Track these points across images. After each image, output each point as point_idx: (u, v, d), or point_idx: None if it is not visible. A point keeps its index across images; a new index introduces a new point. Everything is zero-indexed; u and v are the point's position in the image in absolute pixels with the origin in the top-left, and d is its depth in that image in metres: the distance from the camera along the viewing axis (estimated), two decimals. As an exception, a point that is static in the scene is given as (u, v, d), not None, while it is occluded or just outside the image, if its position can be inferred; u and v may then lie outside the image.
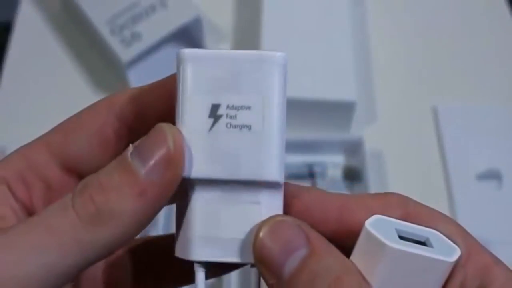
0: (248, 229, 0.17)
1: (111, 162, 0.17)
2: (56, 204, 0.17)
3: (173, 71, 0.18)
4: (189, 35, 0.59)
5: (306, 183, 0.51)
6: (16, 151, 0.20)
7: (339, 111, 0.54)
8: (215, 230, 0.18)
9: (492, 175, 0.52)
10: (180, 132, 0.17)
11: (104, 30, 0.56)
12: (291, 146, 0.52)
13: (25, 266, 0.16)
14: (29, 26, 0.64)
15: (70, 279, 0.17)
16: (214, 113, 0.17)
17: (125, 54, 0.54)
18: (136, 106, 0.20)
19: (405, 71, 0.61)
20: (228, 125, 0.17)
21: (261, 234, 0.17)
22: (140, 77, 0.57)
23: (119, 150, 0.18)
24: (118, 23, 0.56)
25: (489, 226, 0.49)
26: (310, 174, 0.52)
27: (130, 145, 0.17)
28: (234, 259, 0.18)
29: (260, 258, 0.17)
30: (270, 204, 0.17)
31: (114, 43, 0.55)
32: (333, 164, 0.53)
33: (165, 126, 0.17)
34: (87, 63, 0.61)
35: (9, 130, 0.57)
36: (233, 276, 0.47)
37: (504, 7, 0.65)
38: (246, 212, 0.17)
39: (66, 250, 0.16)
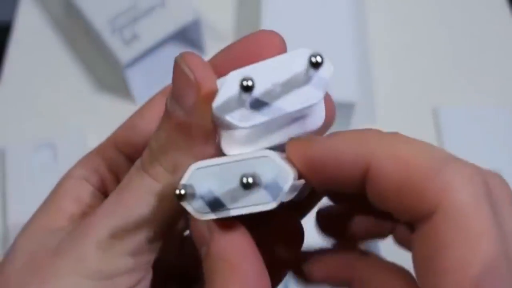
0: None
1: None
2: (131, 174, 0.19)
3: (172, 71, 0.19)
4: (188, 36, 0.59)
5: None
6: (92, 150, 0.22)
7: (339, 111, 0.53)
8: None
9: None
10: (194, 54, 0.17)
11: (104, 31, 0.56)
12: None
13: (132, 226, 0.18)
14: (29, 26, 0.64)
15: (162, 233, 0.19)
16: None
17: (124, 54, 0.54)
18: None
19: (405, 72, 0.61)
20: None
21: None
22: (140, 78, 0.57)
23: None
24: (118, 23, 0.56)
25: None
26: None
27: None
28: None
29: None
30: None
31: (114, 43, 0.55)
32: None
33: (178, 58, 0.17)
34: (87, 63, 0.61)
35: (9, 130, 0.57)
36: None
37: (505, 7, 0.65)
38: None
39: (154, 206, 0.18)
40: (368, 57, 0.61)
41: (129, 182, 0.19)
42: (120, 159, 0.21)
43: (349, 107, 0.53)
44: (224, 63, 0.19)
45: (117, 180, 0.22)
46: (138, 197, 0.18)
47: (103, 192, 0.21)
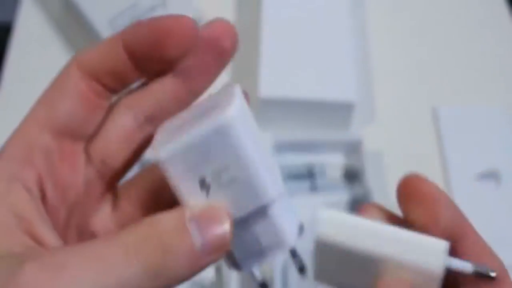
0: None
1: (168, 214, 0.19)
2: (114, 240, 0.18)
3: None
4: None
5: (305, 183, 0.51)
6: (10, 137, 0.22)
7: (339, 111, 0.54)
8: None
9: (491, 175, 0.53)
10: (228, 213, 0.19)
11: (104, 31, 0.56)
12: (291, 146, 0.53)
13: None
14: (30, 26, 0.64)
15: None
16: (204, 184, 0.20)
17: (125, 54, 0.54)
18: (104, 62, 0.22)
19: (405, 72, 0.61)
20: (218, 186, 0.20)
21: None
22: (140, 77, 0.57)
23: (98, 104, 0.21)
24: (118, 23, 0.56)
25: (488, 226, 0.49)
26: (310, 174, 0.52)
27: (186, 208, 0.19)
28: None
29: None
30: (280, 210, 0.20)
31: (114, 43, 0.55)
32: (332, 164, 0.53)
33: (222, 206, 0.19)
34: (87, 63, 0.61)
35: (9, 131, 0.57)
36: (233, 276, 0.47)
37: (504, 7, 0.65)
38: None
39: (99, 272, 0.17)
40: (368, 57, 0.61)
41: (101, 241, 0.18)
42: (44, 137, 0.21)
43: (348, 107, 0.53)
44: (137, 43, 0.21)
45: (49, 158, 0.21)
46: (118, 278, 0.18)
47: (37, 179, 0.20)
